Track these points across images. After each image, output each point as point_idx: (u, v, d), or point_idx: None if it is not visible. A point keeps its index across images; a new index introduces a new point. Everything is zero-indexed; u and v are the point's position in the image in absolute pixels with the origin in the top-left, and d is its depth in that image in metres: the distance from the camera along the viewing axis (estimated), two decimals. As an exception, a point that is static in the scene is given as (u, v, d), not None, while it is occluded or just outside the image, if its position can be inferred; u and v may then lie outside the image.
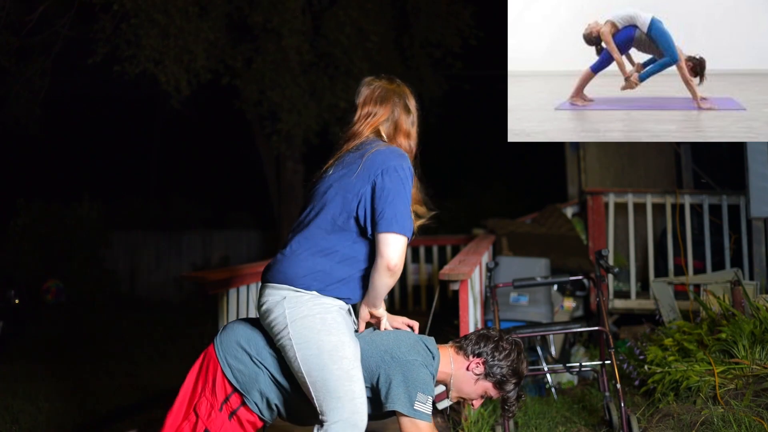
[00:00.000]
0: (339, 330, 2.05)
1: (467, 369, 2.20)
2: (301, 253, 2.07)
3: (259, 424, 2.17)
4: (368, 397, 2.11)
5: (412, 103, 2.22)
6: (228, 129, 13.35)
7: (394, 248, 2.02)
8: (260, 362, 2.12)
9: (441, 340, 2.36)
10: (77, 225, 9.13)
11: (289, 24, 8.24)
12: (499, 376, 2.19)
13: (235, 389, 2.11)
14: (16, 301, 7.09)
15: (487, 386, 2.21)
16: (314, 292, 2.05)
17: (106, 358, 5.98)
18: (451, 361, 2.23)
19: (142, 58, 7.91)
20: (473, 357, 2.21)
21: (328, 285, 2.07)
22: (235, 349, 2.14)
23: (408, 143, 2.19)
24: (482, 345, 2.21)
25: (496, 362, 2.19)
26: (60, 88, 9.49)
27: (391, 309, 7.34)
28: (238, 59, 8.72)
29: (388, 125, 2.17)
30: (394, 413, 2.06)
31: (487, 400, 2.32)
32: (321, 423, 2.02)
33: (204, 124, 13.73)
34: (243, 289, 4.16)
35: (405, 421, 2.03)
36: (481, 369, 2.19)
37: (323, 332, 2.02)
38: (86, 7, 7.95)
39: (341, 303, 2.12)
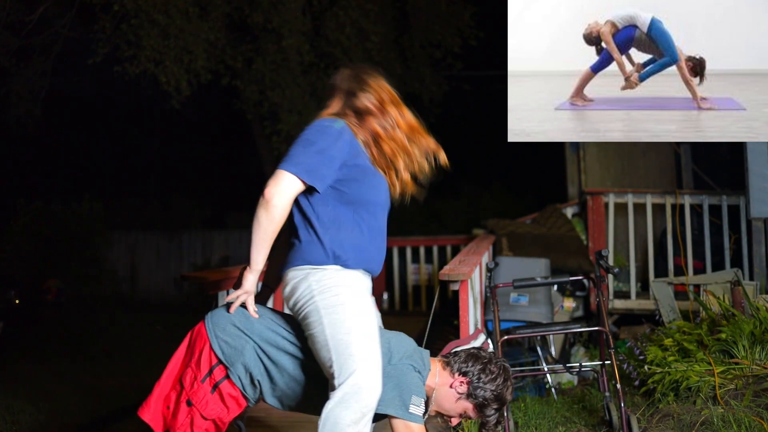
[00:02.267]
0: (366, 310, 2.07)
1: (450, 386, 2.18)
2: (307, 233, 2.11)
3: (242, 402, 2.15)
4: None
5: (371, 82, 2.24)
6: (228, 129, 13.35)
7: (273, 180, 2.01)
8: (248, 335, 2.12)
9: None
10: (77, 225, 9.14)
11: (289, 24, 8.24)
12: (481, 399, 2.16)
13: (219, 361, 2.10)
14: (16, 301, 7.10)
15: (467, 407, 2.18)
16: (336, 266, 2.07)
17: (106, 358, 5.98)
18: (436, 375, 2.21)
19: (143, 59, 7.91)
20: (459, 375, 2.18)
21: (344, 250, 2.08)
22: (225, 324, 2.14)
23: (373, 121, 2.19)
24: (470, 364, 2.18)
25: (480, 384, 2.16)
26: (60, 88, 9.49)
27: (392, 309, 7.38)
28: (239, 59, 8.72)
29: (341, 108, 2.20)
30: (385, 416, 2.05)
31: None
32: (333, 387, 1.96)
33: (204, 124, 13.73)
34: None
35: (398, 424, 2.02)
36: (464, 389, 2.17)
37: (354, 305, 2.04)
38: (86, 8, 7.96)
39: (363, 276, 2.13)
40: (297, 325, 2.14)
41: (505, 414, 3.20)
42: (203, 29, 8.05)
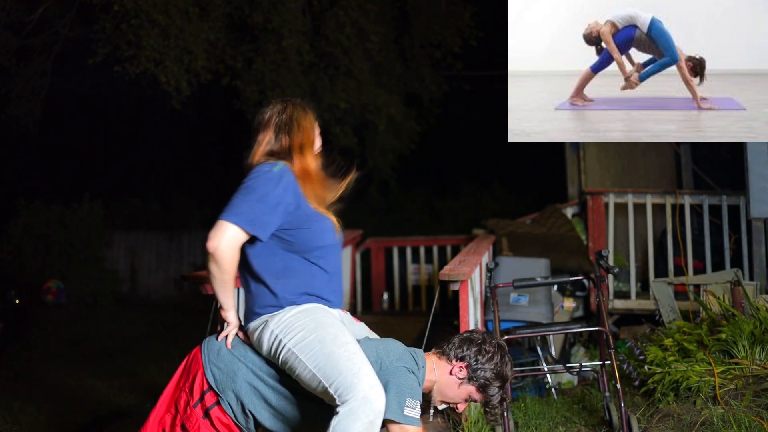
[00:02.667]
0: (333, 323, 2.08)
1: (450, 373, 2.19)
2: (256, 285, 2.16)
3: (234, 429, 2.15)
4: None
5: (301, 119, 2.24)
6: (228, 129, 13.34)
7: (214, 232, 2.00)
8: (242, 361, 2.14)
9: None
10: (77, 225, 9.12)
11: (289, 24, 8.24)
12: (482, 380, 2.17)
13: (210, 387, 2.12)
14: (17, 301, 7.09)
15: (470, 390, 2.20)
16: (289, 306, 2.11)
17: (106, 358, 5.98)
18: (434, 368, 2.22)
19: (143, 59, 7.91)
20: (456, 361, 2.20)
21: (296, 295, 2.12)
22: (219, 348, 2.17)
23: (303, 158, 2.19)
24: (465, 348, 2.20)
25: (479, 366, 2.17)
26: (60, 88, 9.49)
27: (392, 309, 7.38)
28: (239, 60, 8.72)
29: (272, 146, 2.22)
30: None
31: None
32: (336, 408, 1.95)
33: (204, 124, 13.72)
34: (242, 289, 4.13)
35: (394, 428, 2.02)
36: (464, 373, 2.18)
37: (319, 328, 2.05)
38: (87, 8, 7.95)
39: (320, 304, 2.15)
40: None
41: (506, 414, 3.20)
42: (203, 29, 8.04)
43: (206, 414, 2.11)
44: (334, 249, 2.20)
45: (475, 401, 2.25)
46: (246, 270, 2.18)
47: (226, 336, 2.20)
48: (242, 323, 2.25)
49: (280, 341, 2.06)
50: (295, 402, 2.12)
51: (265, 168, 2.11)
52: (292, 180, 2.10)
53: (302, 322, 2.07)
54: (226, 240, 2.00)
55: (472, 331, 2.29)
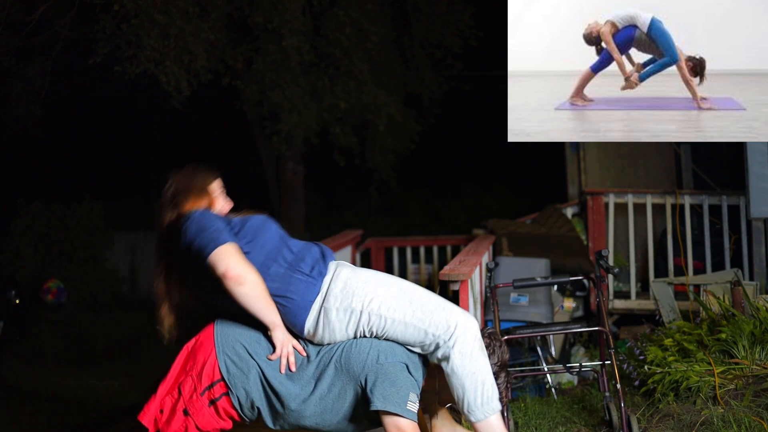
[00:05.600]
0: (372, 272, 2.20)
1: None
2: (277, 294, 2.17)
3: (238, 419, 2.16)
4: (357, 402, 2.10)
5: (181, 188, 2.32)
6: (228, 129, 13.35)
7: (216, 261, 2.03)
8: (255, 359, 2.11)
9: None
10: (77, 225, 9.13)
11: (289, 24, 8.24)
12: None
13: (222, 378, 2.10)
14: (17, 301, 7.08)
15: None
16: (327, 279, 2.13)
17: (106, 358, 5.98)
18: (435, 368, 2.21)
19: (143, 59, 7.91)
20: None
21: (318, 268, 2.16)
22: (234, 342, 2.13)
23: (199, 202, 2.28)
24: None
25: None
26: (60, 88, 9.49)
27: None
28: (239, 60, 8.73)
29: (174, 205, 2.28)
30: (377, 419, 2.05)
31: None
32: (445, 351, 2.05)
33: (204, 124, 13.73)
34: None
35: (388, 420, 2.02)
36: None
37: (377, 285, 2.12)
38: (87, 8, 7.95)
39: (331, 262, 2.22)
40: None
41: (506, 414, 3.20)
42: (203, 29, 8.04)
43: (212, 403, 2.10)
44: (283, 239, 2.24)
45: None
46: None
47: (280, 356, 2.12)
48: (296, 334, 2.18)
49: (352, 312, 2.08)
50: (297, 401, 2.11)
51: (196, 212, 2.19)
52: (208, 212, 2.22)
53: (357, 284, 2.10)
54: (231, 256, 2.03)
55: None
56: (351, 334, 2.11)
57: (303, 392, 2.10)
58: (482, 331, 2.25)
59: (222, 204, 2.35)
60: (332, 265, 2.19)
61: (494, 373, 2.16)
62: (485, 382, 2.06)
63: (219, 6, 8.32)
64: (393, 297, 2.09)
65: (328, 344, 2.14)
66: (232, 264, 2.01)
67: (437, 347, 2.08)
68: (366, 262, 7.45)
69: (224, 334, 2.15)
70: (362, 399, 2.08)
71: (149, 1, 7.64)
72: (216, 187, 2.37)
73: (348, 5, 8.47)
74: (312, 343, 2.15)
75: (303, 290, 2.10)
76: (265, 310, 2.07)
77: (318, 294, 2.11)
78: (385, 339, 2.11)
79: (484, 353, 2.11)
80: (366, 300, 2.08)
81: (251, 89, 8.81)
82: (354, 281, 2.11)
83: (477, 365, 2.06)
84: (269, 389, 2.11)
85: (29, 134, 9.58)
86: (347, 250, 6.74)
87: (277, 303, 2.11)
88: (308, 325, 2.11)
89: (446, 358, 2.07)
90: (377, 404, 2.00)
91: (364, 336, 2.11)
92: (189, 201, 2.27)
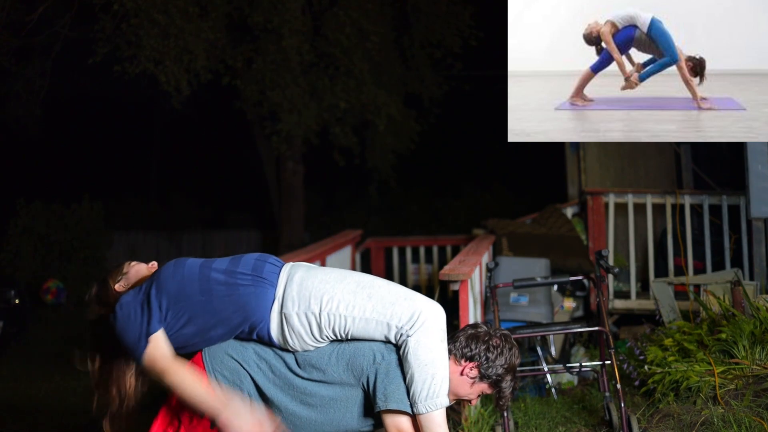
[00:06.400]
0: (329, 269, 2.20)
1: (461, 374, 2.14)
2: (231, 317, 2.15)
3: None
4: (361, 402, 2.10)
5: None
6: (228, 129, 13.35)
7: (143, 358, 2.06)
8: (244, 367, 2.11)
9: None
10: (77, 225, 9.12)
11: (289, 24, 8.23)
12: (494, 377, 2.15)
13: None
14: (16, 301, 7.08)
15: (483, 387, 2.17)
16: (274, 297, 2.10)
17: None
18: None
19: (143, 58, 7.91)
20: (466, 361, 2.14)
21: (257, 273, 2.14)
22: (222, 356, 2.13)
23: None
24: (473, 347, 2.15)
25: (490, 364, 2.14)
26: (60, 88, 9.49)
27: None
28: (239, 59, 8.72)
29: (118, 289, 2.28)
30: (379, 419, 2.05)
31: (485, 398, 2.31)
32: (407, 338, 2.02)
33: (204, 124, 13.73)
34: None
35: (387, 417, 2.02)
36: (475, 372, 2.14)
37: (334, 282, 2.09)
38: (86, 8, 7.95)
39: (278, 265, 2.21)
40: (284, 354, 2.12)
41: (506, 414, 3.20)
42: (203, 29, 8.04)
43: (214, 424, 2.09)
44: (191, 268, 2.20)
45: (488, 394, 2.24)
46: (213, 332, 2.11)
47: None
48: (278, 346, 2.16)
49: (313, 316, 2.04)
50: (295, 400, 2.11)
51: (122, 299, 2.15)
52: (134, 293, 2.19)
53: (310, 288, 2.07)
54: (152, 351, 2.04)
55: (475, 326, 2.24)
56: (319, 338, 2.07)
57: (293, 403, 2.10)
58: (495, 331, 2.22)
59: (139, 272, 2.36)
60: (285, 269, 2.15)
61: (498, 375, 2.15)
62: (435, 376, 2.01)
63: (219, 6, 8.32)
64: (351, 293, 2.05)
65: (315, 352, 2.10)
66: (152, 358, 2.03)
67: (401, 337, 2.04)
68: (366, 262, 7.46)
69: (211, 353, 2.14)
70: (364, 402, 2.09)
71: (149, 1, 7.64)
72: (124, 269, 2.38)
73: (348, 5, 8.46)
74: (298, 351, 2.12)
75: (255, 301, 2.06)
76: (203, 395, 2.01)
77: (274, 300, 2.07)
78: (351, 338, 2.08)
79: (444, 345, 2.08)
80: (323, 300, 2.04)
81: (251, 89, 8.81)
82: (309, 282, 2.08)
83: (430, 357, 2.01)
84: (264, 398, 2.11)
85: (29, 134, 9.57)
86: (347, 250, 6.73)
87: (242, 322, 2.08)
88: (275, 335, 2.08)
89: (403, 344, 2.03)
90: (380, 405, 2.01)
91: (335, 339, 2.08)
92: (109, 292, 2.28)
